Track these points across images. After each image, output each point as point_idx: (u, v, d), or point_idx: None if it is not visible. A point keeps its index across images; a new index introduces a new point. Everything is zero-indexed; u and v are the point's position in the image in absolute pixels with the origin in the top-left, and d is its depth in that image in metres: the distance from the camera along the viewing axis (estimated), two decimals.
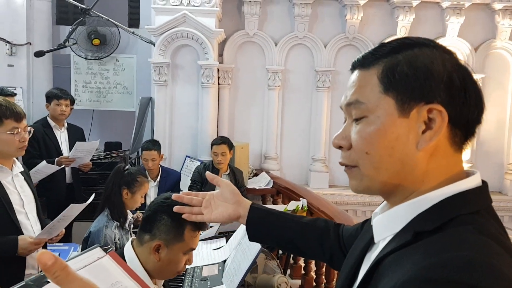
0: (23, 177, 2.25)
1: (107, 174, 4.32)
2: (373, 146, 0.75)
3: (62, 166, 3.60)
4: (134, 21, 5.73)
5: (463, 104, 0.71)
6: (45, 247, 2.37)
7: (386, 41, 0.79)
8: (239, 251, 2.22)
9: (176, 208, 1.24)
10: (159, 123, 4.41)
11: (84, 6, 3.82)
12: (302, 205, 3.13)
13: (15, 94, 3.65)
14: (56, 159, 3.63)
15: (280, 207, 3.09)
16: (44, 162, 3.38)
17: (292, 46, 4.75)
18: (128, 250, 1.58)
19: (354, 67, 0.80)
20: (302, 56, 4.79)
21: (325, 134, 4.79)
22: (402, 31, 4.67)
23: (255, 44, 4.77)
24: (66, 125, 3.99)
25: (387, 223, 0.77)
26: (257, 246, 2.07)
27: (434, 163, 0.73)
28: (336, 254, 1.14)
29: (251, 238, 1.21)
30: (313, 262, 3.57)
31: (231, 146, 3.92)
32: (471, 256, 0.61)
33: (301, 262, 3.85)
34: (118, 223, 2.53)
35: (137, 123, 4.59)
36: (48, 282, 0.84)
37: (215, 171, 3.81)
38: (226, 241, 2.60)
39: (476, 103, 0.73)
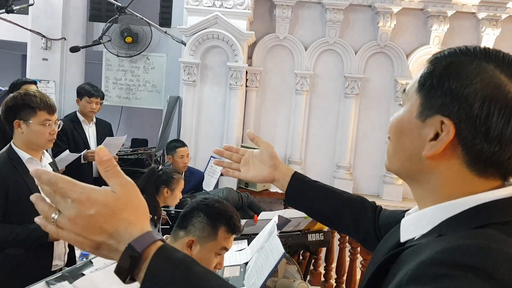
0: (52, 169, 2.27)
1: (133, 170, 4.41)
2: (392, 133, 0.81)
3: (81, 154, 3.66)
4: (165, 20, 5.79)
5: (477, 134, 0.69)
6: (72, 250, 2.40)
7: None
8: (262, 254, 2.21)
9: (215, 162, 1.29)
10: (186, 122, 4.45)
11: (119, 4, 3.88)
12: None
13: (35, 83, 3.72)
14: (83, 153, 3.70)
15: (301, 213, 3.07)
16: (67, 151, 3.45)
17: (322, 51, 4.72)
18: None
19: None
20: (332, 62, 4.76)
21: (351, 141, 4.74)
22: (435, 41, 4.59)
23: (284, 48, 4.76)
24: (94, 120, 4.06)
25: (415, 223, 0.77)
26: (280, 251, 2.06)
27: (446, 178, 0.73)
28: (370, 236, 1.15)
29: (289, 204, 1.25)
30: (334, 269, 3.53)
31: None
32: (489, 244, 0.61)
33: (321, 269, 3.82)
34: (151, 218, 2.60)
35: (164, 121, 4.64)
36: (83, 274, 0.86)
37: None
38: (248, 243, 2.60)
39: (506, 143, 0.68)
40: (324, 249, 3.64)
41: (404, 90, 0.82)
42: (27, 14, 4.98)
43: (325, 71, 4.78)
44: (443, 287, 0.57)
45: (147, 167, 4.13)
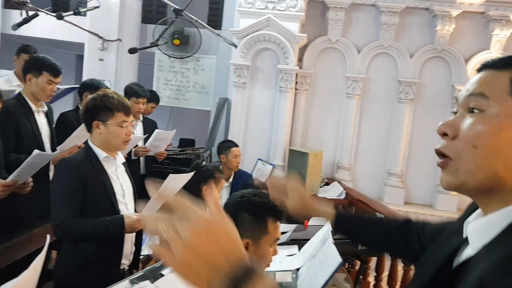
0: (124, 168, 2.31)
1: (180, 170, 4.46)
2: (483, 142, 0.75)
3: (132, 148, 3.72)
4: (213, 22, 5.84)
5: None
6: (137, 250, 2.43)
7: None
8: (316, 261, 2.16)
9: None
10: (235, 124, 4.45)
11: (178, 7, 3.92)
12: None
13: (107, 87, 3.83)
14: (133, 149, 3.77)
15: None
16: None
17: (376, 54, 4.61)
18: None
19: (486, 66, 0.81)
20: (385, 66, 4.63)
21: (404, 148, 4.59)
22: (496, 46, 4.38)
23: (336, 50, 4.68)
24: (141, 118, 4.14)
25: (483, 230, 0.75)
26: (337, 260, 2.00)
27: None
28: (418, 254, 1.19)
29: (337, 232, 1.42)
30: (384, 279, 3.42)
31: None
32: None
33: (370, 278, 3.71)
34: None
35: (213, 122, 4.67)
36: (162, 275, 0.85)
37: None
38: (299, 249, 2.55)
39: None
40: (374, 258, 3.53)
41: (473, 94, 0.78)
42: (85, 15, 5.16)
43: (378, 75, 4.66)
44: None
45: None
